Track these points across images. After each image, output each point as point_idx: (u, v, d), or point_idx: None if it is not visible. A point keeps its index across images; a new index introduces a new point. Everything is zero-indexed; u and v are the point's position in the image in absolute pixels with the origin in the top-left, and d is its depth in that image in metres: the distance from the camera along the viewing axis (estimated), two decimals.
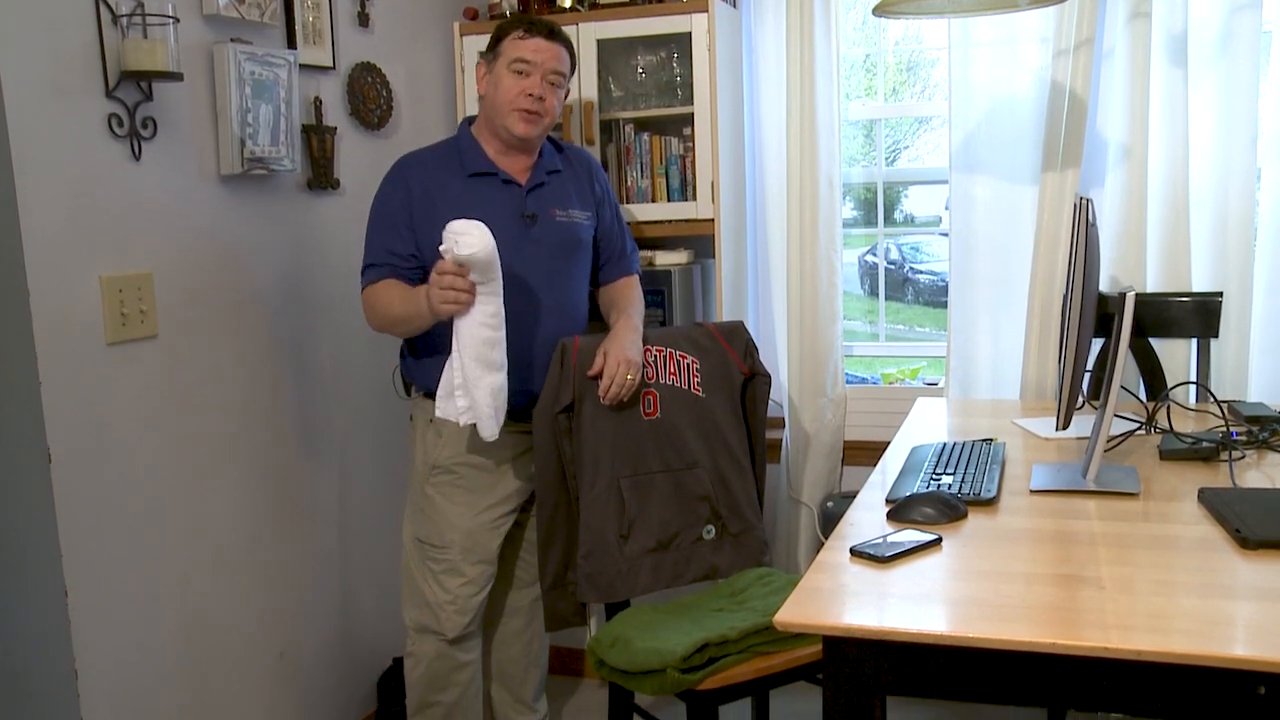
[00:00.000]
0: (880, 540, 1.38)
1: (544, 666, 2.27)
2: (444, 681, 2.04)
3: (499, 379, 1.76)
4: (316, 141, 2.18)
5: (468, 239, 1.67)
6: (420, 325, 1.82)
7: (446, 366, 1.79)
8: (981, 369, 2.39)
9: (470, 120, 1.98)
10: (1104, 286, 2.23)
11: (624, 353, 1.89)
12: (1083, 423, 1.94)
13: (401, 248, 1.88)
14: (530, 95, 1.86)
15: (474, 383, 1.75)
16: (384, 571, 2.45)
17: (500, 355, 1.75)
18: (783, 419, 2.54)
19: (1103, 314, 2.02)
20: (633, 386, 1.89)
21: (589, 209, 2.03)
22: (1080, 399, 1.67)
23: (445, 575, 1.98)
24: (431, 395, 1.96)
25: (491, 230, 1.78)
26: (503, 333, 1.75)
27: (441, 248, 1.70)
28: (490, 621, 2.20)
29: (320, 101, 2.19)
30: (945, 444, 1.81)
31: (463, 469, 1.96)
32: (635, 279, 2.10)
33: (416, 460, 1.99)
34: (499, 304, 1.73)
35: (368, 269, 1.90)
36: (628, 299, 2.05)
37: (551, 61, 1.88)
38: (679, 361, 2.03)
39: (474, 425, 1.85)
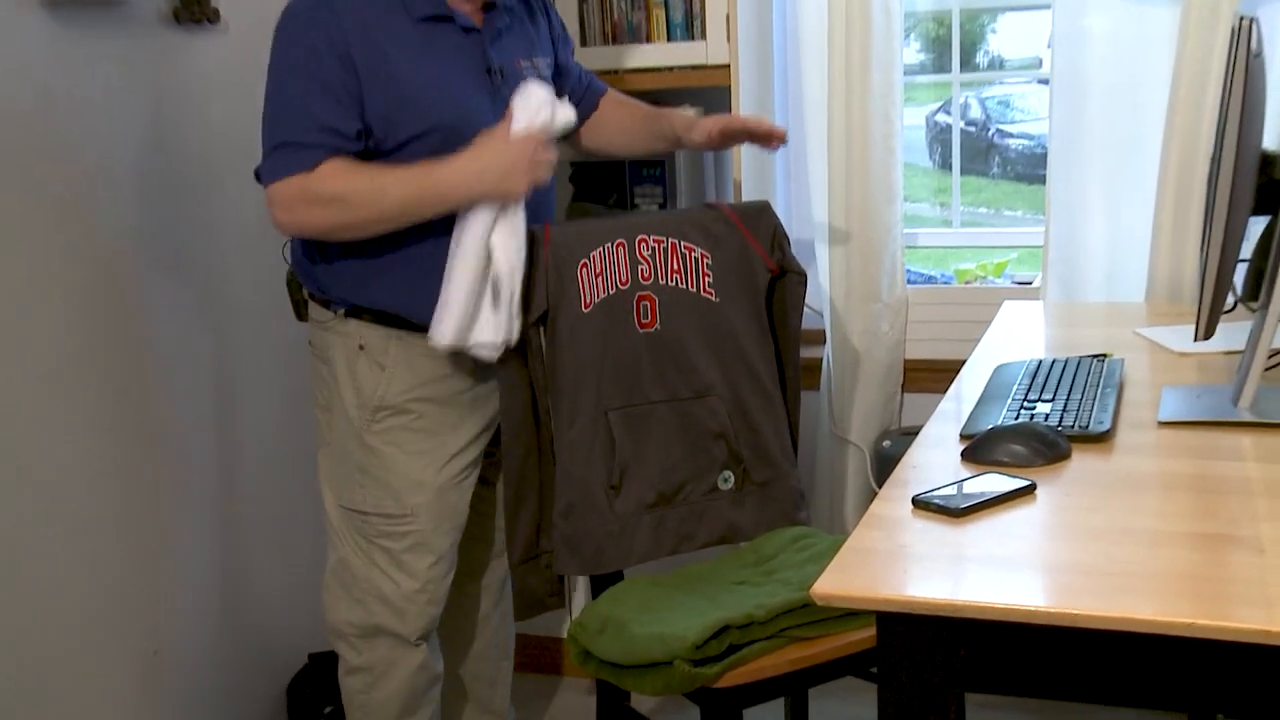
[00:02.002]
0: (953, 489, 1.38)
1: (511, 659, 2.30)
2: (421, 699, 2.06)
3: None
4: None
5: (565, 109, 1.85)
6: (418, 216, 1.83)
7: (464, 279, 1.81)
8: (1092, 261, 2.38)
9: None
10: (1271, 143, 2.17)
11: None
12: (1233, 332, 1.92)
13: (344, 123, 1.80)
14: None
15: (514, 283, 1.86)
16: (289, 543, 2.45)
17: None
18: (823, 331, 2.55)
19: (1267, 182, 1.96)
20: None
21: (549, 54, 2.03)
22: (1231, 299, 1.64)
23: (410, 555, 1.99)
24: (360, 315, 1.94)
25: (455, 93, 1.83)
26: None
27: (526, 119, 1.82)
28: (447, 609, 2.19)
29: None
30: (1041, 361, 1.82)
31: (421, 406, 1.96)
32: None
33: (345, 403, 1.97)
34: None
35: (286, 148, 1.80)
36: (633, 102, 2.14)
37: None
38: (684, 255, 2.02)
39: (442, 346, 1.88)
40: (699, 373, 2.02)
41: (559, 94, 1.99)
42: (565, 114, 1.86)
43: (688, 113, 2.07)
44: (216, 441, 2.28)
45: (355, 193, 1.79)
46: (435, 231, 1.84)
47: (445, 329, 1.83)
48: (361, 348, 1.94)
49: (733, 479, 2.05)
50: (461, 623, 2.22)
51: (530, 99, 1.84)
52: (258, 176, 1.85)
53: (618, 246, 1.98)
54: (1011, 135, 4.01)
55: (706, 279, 2.03)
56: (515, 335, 1.86)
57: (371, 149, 1.83)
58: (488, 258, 1.84)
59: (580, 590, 2.59)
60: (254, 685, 2.38)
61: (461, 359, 1.94)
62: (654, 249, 2.00)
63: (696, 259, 2.02)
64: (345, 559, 2.01)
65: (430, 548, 1.99)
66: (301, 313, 2.02)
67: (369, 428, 1.95)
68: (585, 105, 2.13)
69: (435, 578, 2.00)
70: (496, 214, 1.83)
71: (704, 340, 2.02)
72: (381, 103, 1.80)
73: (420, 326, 1.87)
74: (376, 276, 1.90)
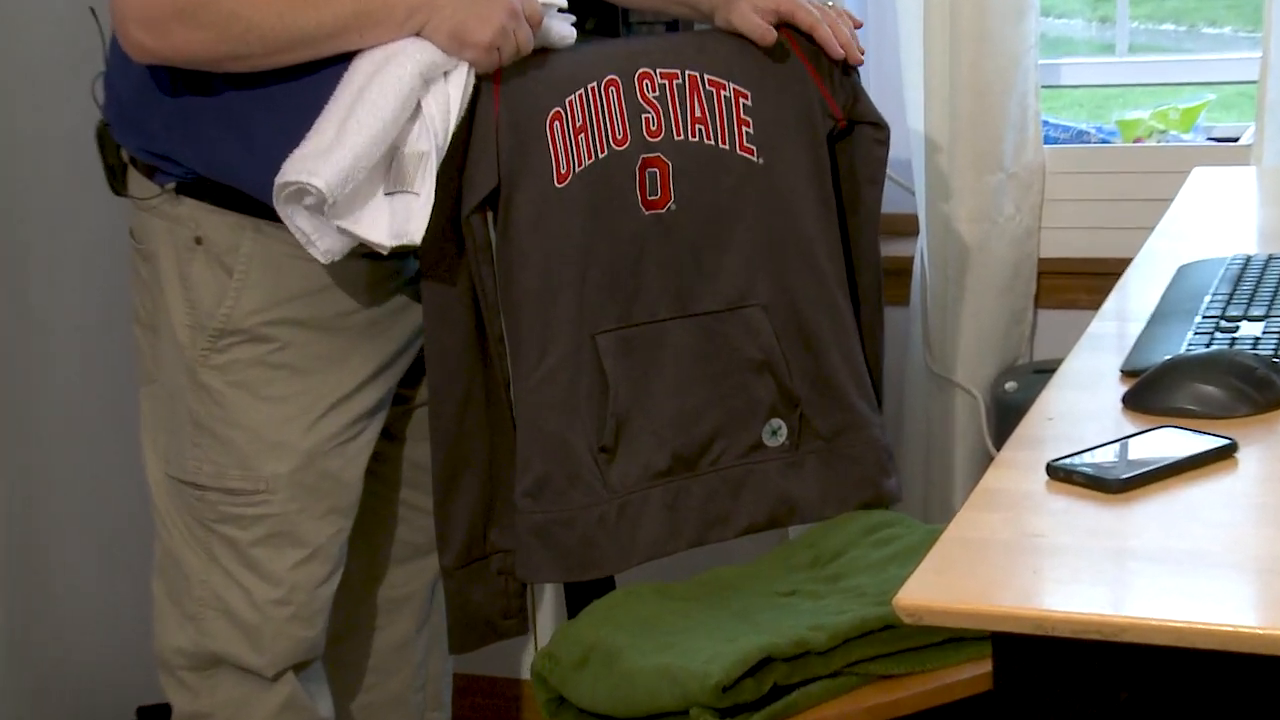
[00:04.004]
0: (1111, 451, 1.38)
1: (448, 709, 2.33)
2: None
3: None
4: None
5: (568, 28, 2.00)
6: (342, 44, 1.86)
7: (372, 125, 1.83)
8: None
9: None
10: None
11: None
12: None
13: None
14: None
15: (429, 170, 1.87)
16: (111, 540, 2.46)
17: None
18: (915, 217, 2.56)
19: None
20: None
21: None
22: None
23: (265, 549, 2.02)
24: (199, 191, 1.94)
25: None
26: None
27: None
28: (342, 634, 2.22)
29: None
30: (1250, 259, 1.83)
31: (286, 331, 1.99)
32: None
33: (173, 323, 1.99)
34: None
35: None
36: None
37: None
38: (710, 95, 2.03)
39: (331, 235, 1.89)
40: (732, 273, 2.03)
41: None
42: (566, 31, 2.00)
43: None
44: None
45: (265, 13, 1.81)
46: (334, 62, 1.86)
47: (324, 171, 1.80)
48: (199, 241, 1.95)
49: (785, 431, 2.06)
50: (365, 654, 2.25)
51: None
52: None
53: (608, 87, 1.97)
54: None
55: (744, 129, 2.02)
56: (412, 237, 1.86)
57: None
58: (409, 116, 1.85)
59: (549, 605, 2.59)
60: None
61: (350, 265, 1.94)
62: (664, 88, 2.00)
63: (728, 100, 2.02)
64: (174, 554, 2.04)
65: (295, 538, 2.01)
66: (118, 184, 2.02)
67: (206, 360, 1.97)
68: None
69: (304, 583, 2.02)
70: (441, 68, 1.86)
71: (741, 223, 2.03)
72: None
73: None
74: (232, 125, 1.90)
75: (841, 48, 2.03)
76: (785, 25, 2.04)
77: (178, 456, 2.01)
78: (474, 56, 1.86)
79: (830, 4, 2.07)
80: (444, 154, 1.86)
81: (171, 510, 2.03)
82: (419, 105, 1.85)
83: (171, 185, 1.95)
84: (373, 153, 1.82)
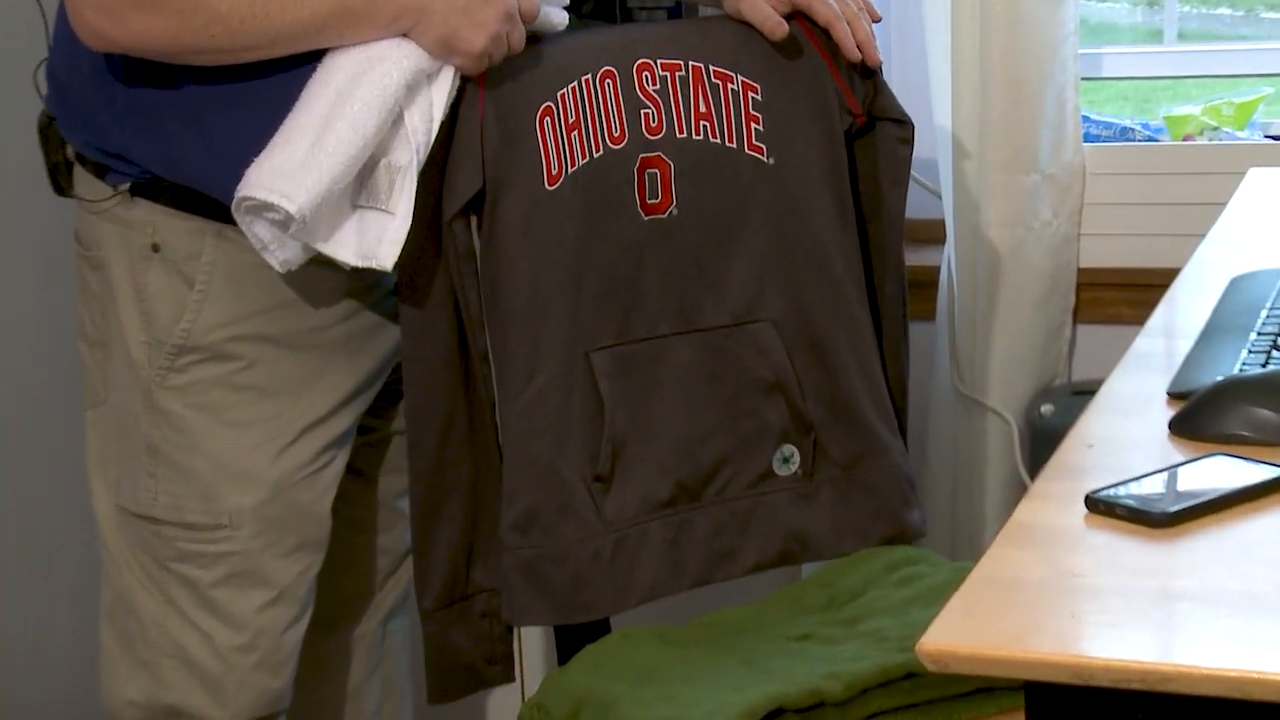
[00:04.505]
0: (1158, 481, 1.38)
1: None
2: None
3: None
4: None
5: (560, 13, 2.02)
6: (317, 42, 1.86)
7: (352, 141, 1.83)
8: None
9: None
10: None
11: None
12: None
13: None
14: None
15: (407, 182, 1.87)
16: (52, 579, 2.46)
17: None
18: (942, 223, 2.58)
19: None
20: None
21: None
22: None
23: (228, 590, 2.02)
24: (156, 193, 1.94)
25: None
26: None
27: None
28: (298, 680, 2.20)
29: None
30: None
31: (253, 348, 1.99)
32: None
33: (127, 339, 1.99)
34: None
35: None
36: None
37: None
38: (716, 89, 2.03)
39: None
40: (740, 284, 2.04)
41: None
42: (558, 16, 2.01)
43: None
44: None
45: (235, 4, 1.81)
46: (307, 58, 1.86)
47: (297, 195, 1.79)
48: (155, 248, 1.95)
49: (798, 458, 2.06)
50: (312, 704, 2.24)
51: None
52: None
53: (604, 79, 1.98)
54: None
55: (753, 126, 2.03)
56: (382, 262, 1.86)
57: None
58: (391, 125, 1.85)
59: (538, 650, 2.59)
60: None
61: (325, 274, 1.94)
62: (665, 81, 2.00)
63: (736, 94, 2.02)
64: (126, 595, 2.03)
65: (261, 578, 2.00)
66: (63, 183, 2.02)
67: (164, 380, 1.97)
68: None
69: (270, 627, 2.02)
70: (426, 73, 1.86)
71: (749, 228, 2.03)
72: None
73: None
74: (193, 120, 1.90)
75: (859, 48, 2.03)
76: (801, 19, 2.04)
77: (130, 487, 2.01)
78: (463, 63, 1.86)
79: None
80: (423, 164, 1.86)
81: (123, 547, 2.03)
82: (400, 113, 1.85)
83: (125, 186, 1.95)
84: (350, 172, 1.82)
